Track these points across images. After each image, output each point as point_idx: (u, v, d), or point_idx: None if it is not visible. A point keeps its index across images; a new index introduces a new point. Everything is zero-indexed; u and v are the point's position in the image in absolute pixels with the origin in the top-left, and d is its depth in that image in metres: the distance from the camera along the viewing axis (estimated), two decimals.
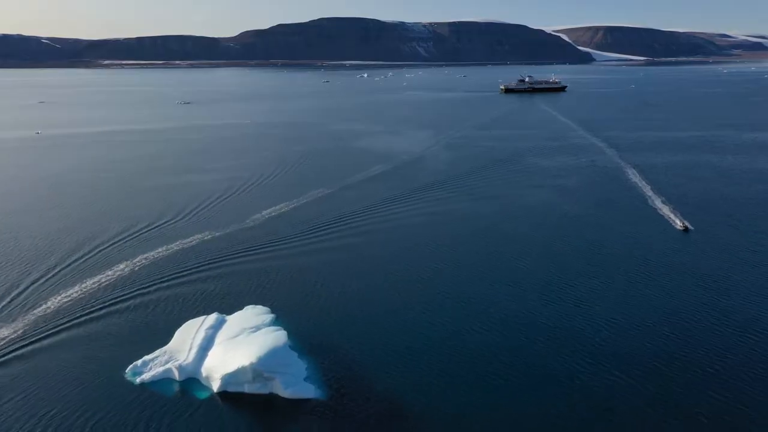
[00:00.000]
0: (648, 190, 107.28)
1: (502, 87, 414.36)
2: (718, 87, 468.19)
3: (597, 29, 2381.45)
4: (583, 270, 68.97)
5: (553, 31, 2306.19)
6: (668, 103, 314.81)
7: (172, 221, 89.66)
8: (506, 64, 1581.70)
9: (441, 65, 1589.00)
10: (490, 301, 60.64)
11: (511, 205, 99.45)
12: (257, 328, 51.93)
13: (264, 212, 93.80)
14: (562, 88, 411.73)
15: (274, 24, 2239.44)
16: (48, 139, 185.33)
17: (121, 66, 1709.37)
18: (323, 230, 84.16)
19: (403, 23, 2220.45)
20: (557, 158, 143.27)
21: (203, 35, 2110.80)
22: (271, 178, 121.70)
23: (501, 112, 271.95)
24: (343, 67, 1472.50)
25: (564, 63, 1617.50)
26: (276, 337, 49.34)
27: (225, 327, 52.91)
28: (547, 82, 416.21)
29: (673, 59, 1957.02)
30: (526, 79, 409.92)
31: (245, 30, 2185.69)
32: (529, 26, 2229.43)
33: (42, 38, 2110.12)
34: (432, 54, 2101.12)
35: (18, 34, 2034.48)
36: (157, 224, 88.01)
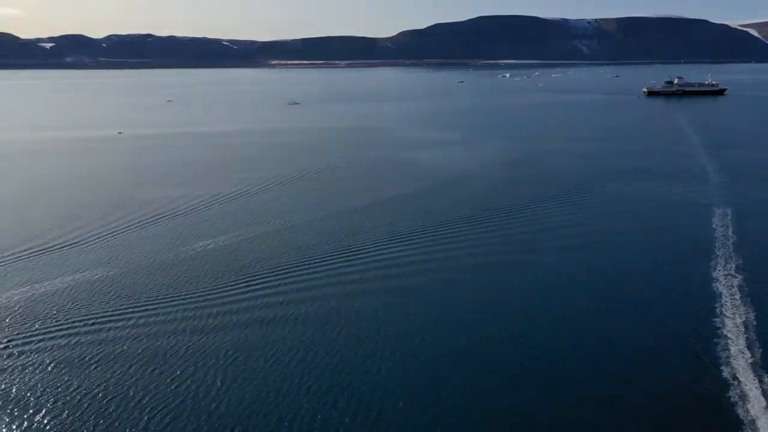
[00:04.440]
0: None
1: (645, 89, 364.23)
2: None
3: None
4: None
5: (740, 25, 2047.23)
6: None
7: None
8: (680, 62, 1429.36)
9: (602, 64, 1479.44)
10: None
11: (520, 270, 71.54)
12: None
13: (179, 250, 75.85)
14: (720, 92, 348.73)
15: (431, 24, 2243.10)
16: (113, 141, 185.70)
17: (287, 66, 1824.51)
18: (214, 293, 64.12)
19: (566, 20, 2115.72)
20: (638, 187, 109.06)
21: (363, 35, 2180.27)
22: (242, 198, 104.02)
23: (622, 119, 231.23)
24: (498, 66, 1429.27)
25: (749, 62, 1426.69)
26: None
27: None
28: (701, 84, 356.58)
29: None
30: (675, 81, 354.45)
31: (402, 30, 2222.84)
32: (710, 20, 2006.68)
33: (223, 40, 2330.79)
34: (595, 52, 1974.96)
35: (203, 37, 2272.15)
36: None
